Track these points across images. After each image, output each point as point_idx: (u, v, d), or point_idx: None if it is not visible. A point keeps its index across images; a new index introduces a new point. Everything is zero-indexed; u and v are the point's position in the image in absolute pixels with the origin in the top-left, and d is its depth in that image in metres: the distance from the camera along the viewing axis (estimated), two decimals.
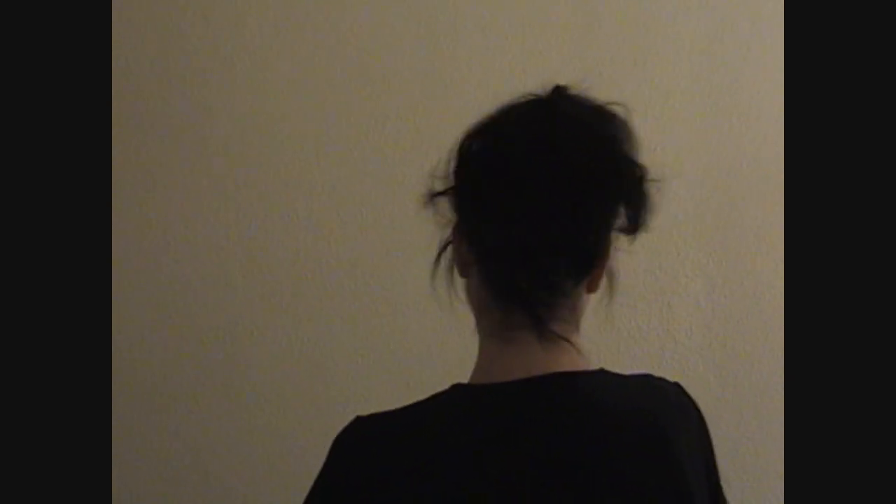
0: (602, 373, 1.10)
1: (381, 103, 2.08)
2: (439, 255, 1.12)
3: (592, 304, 2.14)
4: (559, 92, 1.07)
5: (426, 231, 1.13)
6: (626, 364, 2.11)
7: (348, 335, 2.08)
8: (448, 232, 1.10)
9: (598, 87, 2.12)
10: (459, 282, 1.11)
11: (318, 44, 2.08)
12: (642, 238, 2.13)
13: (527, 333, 1.06)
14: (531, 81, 2.21)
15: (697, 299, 2.13)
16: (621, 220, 1.08)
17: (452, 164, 1.08)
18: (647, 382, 1.14)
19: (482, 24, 2.10)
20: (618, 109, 1.08)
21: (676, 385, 1.16)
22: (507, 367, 1.05)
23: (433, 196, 1.08)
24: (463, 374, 1.11)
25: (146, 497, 2.04)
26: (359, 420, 1.06)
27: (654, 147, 2.11)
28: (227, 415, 2.06)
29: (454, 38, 2.09)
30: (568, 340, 1.08)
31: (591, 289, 1.11)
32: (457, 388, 1.06)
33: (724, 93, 2.15)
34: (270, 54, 2.07)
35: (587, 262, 1.07)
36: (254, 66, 2.07)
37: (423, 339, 2.07)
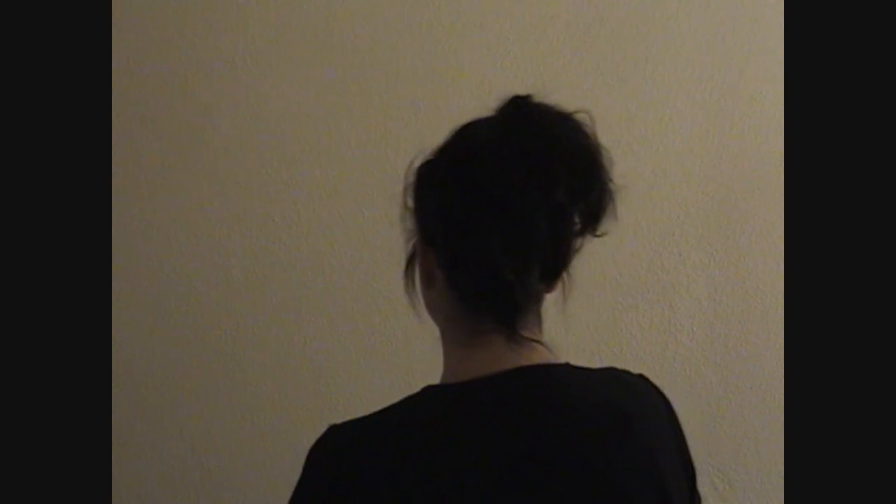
0: (568, 366, 1.11)
1: (382, 103, 2.08)
2: (408, 267, 1.13)
3: (592, 305, 2.15)
4: (520, 101, 1.07)
5: None
6: (628, 364, 2.11)
7: (348, 335, 2.07)
8: (411, 245, 1.12)
9: (599, 87, 2.14)
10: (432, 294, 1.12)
11: (319, 44, 2.08)
12: (644, 238, 2.15)
13: (496, 337, 1.07)
14: (531, 81, 2.22)
15: (699, 299, 2.13)
16: (582, 223, 1.07)
17: (418, 178, 1.10)
18: (612, 374, 1.15)
19: (483, 24, 2.10)
20: (582, 117, 1.08)
21: (641, 376, 1.17)
22: (476, 367, 1.06)
23: (406, 210, 1.10)
24: None
25: (146, 497, 2.04)
26: (333, 428, 1.05)
27: (655, 147, 2.13)
28: (227, 415, 2.06)
29: (455, 38, 2.09)
30: (538, 342, 1.09)
31: (550, 289, 1.11)
32: (428, 389, 1.07)
33: (725, 93, 2.15)
34: (271, 55, 2.07)
35: (557, 268, 1.08)
36: (254, 67, 2.07)
37: (424, 339, 2.07)
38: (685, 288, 2.13)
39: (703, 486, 2.07)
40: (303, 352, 2.07)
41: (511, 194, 1.02)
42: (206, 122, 2.06)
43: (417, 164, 1.10)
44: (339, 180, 2.08)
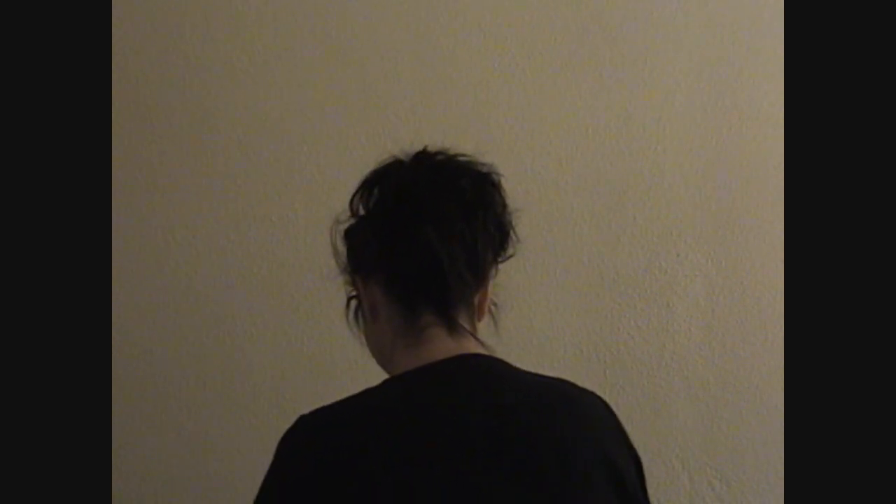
0: (503, 361, 1.20)
1: (380, 103, 2.08)
2: (353, 310, 1.29)
3: (590, 305, 2.15)
4: (424, 153, 1.24)
5: None
6: (626, 364, 2.13)
7: (347, 335, 2.07)
8: (349, 290, 1.28)
9: (598, 87, 2.14)
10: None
11: (318, 44, 2.08)
12: (642, 238, 2.15)
13: (438, 329, 1.18)
14: (530, 82, 2.23)
15: (697, 299, 2.13)
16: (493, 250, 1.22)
17: (348, 236, 1.26)
18: (546, 375, 1.24)
19: (481, 24, 2.10)
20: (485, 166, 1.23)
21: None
22: (424, 357, 1.17)
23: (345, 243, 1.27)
24: None
25: (146, 497, 2.04)
26: (302, 417, 1.14)
27: (653, 147, 2.13)
28: (227, 415, 2.06)
29: (454, 38, 2.10)
30: (474, 336, 1.21)
31: (479, 317, 1.23)
32: (386, 380, 1.18)
33: (724, 93, 2.15)
34: (270, 55, 2.08)
35: (480, 274, 1.20)
36: (253, 67, 2.07)
37: None
38: (683, 288, 2.13)
39: (700, 486, 2.07)
40: (301, 352, 2.07)
41: (426, 193, 1.18)
42: (204, 123, 2.06)
43: (343, 228, 1.26)
44: (337, 180, 2.08)
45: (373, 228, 1.22)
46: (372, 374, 1.96)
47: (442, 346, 1.17)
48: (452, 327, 1.18)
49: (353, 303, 1.29)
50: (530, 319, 2.06)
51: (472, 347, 1.19)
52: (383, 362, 1.25)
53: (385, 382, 1.17)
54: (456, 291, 1.18)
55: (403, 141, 2.13)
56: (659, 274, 2.12)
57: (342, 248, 1.27)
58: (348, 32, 2.08)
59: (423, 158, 1.23)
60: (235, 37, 2.07)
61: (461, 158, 1.23)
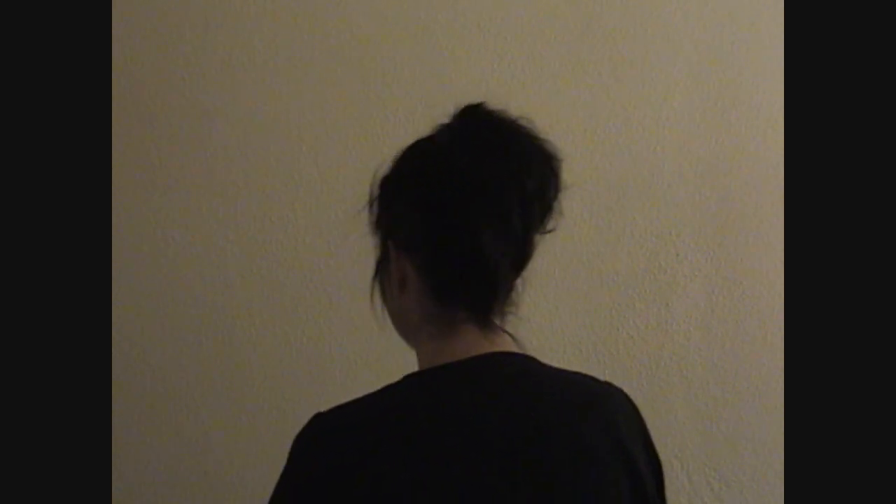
0: (535, 358, 1.15)
1: (381, 104, 2.08)
2: (378, 277, 1.18)
3: (589, 305, 2.15)
4: (473, 109, 1.13)
5: None
6: (625, 364, 2.13)
7: (346, 335, 2.08)
8: (379, 255, 1.17)
9: (595, 87, 2.14)
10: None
11: (318, 44, 2.09)
12: (641, 238, 2.15)
13: (470, 326, 1.12)
14: (530, 81, 2.23)
15: (696, 299, 2.13)
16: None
17: (384, 189, 1.15)
18: (579, 373, 1.19)
19: (480, 24, 2.10)
20: (527, 122, 1.14)
21: (607, 382, 1.21)
22: (451, 354, 1.11)
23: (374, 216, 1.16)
24: None
25: (146, 497, 2.04)
26: (318, 416, 1.10)
27: (652, 147, 2.13)
28: (227, 415, 2.06)
29: (453, 38, 2.10)
30: (508, 333, 1.14)
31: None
32: (408, 376, 1.12)
33: (723, 93, 2.15)
34: (270, 55, 2.08)
35: (524, 259, 1.14)
36: (253, 67, 2.08)
37: None
38: (682, 288, 2.13)
39: (699, 485, 2.08)
40: (300, 352, 2.07)
41: (487, 182, 1.08)
42: (203, 123, 2.07)
43: (379, 177, 1.15)
44: (336, 180, 2.08)
45: (419, 202, 1.11)
46: (372, 374, 1.96)
47: (472, 342, 1.11)
48: (486, 324, 1.12)
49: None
50: (529, 319, 2.04)
51: (502, 345, 1.13)
52: (404, 334, 1.19)
53: (407, 380, 1.11)
54: (500, 296, 1.13)
55: (404, 141, 2.14)
56: (658, 274, 2.13)
57: (376, 198, 1.16)
58: (348, 32, 2.09)
59: (483, 131, 1.11)
60: (235, 37, 2.07)
61: (524, 133, 1.12)
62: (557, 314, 2.08)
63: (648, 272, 2.12)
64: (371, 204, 1.16)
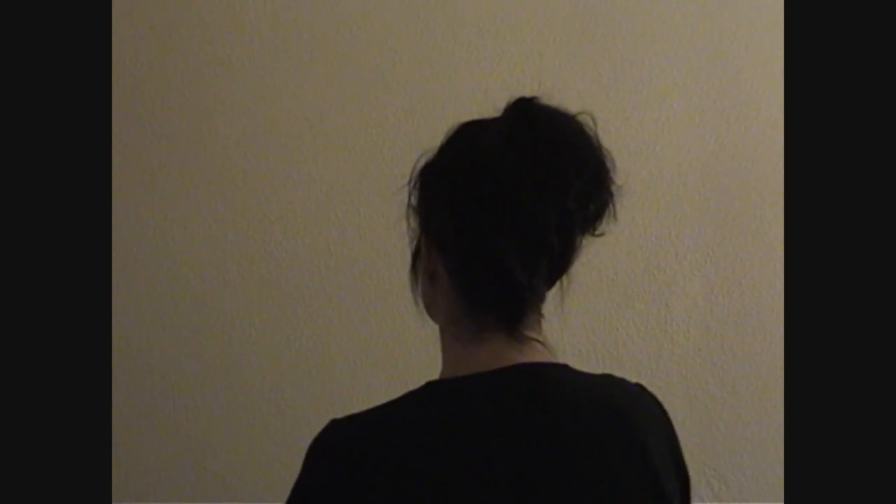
0: (566, 366, 1.12)
1: (380, 104, 2.08)
2: (414, 265, 1.13)
3: (588, 305, 2.15)
4: (526, 103, 1.08)
5: None
6: (624, 364, 2.13)
7: (345, 334, 2.08)
8: (415, 243, 1.13)
9: (595, 88, 2.14)
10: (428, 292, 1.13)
11: (317, 44, 2.09)
12: (640, 238, 2.15)
13: (497, 335, 1.08)
14: (527, 82, 2.22)
15: (696, 300, 2.13)
16: (585, 224, 1.09)
17: (423, 179, 1.10)
18: (610, 378, 1.16)
19: (480, 24, 2.10)
20: (584, 118, 1.09)
21: (638, 384, 1.18)
22: (476, 363, 1.07)
23: (409, 208, 1.11)
24: None
25: (146, 496, 2.04)
26: (334, 423, 1.05)
27: (651, 147, 2.13)
28: (227, 414, 2.06)
29: (452, 38, 2.10)
30: (538, 341, 1.10)
31: (550, 288, 1.13)
32: (430, 384, 1.08)
33: (722, 93, 2.15)
34: (269, 55, 2.08)
35: (562, 269, 1.10)
36: (253, 67, 2.08)
37: (420, 338, 2.07)
38: (681, 288, 2.13)
39: (698, 486, 2.08)
40: (300, 351, 2.07)
41: (523, 198, 1.02)
42: (203, 123, 2.07)
43: (422, 163, 1.10)
44: (335, 180, 2.08)
45: (454, 205, 1.06)
46: (372, 374, 1.96)
47: (499, 352, 1.07)
48: (514, 333, 1.08)
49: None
50: None
51: (531, 354, 1.08)
52: (432, 316, 1.13)
53: (428, 388, 1.07)
54: (529, 310, 1.08)
55: (403, 141, 2.15)
56: (658, 274, 2.13)
57: (416, 184, 1.11)
58: (348, 33, 2.09)
59: (532, 131, 1.05)
60: (235, 37, 2.07)
61: (576, 133, 1.06)
62: (557, 314, 2.08)
63: (648, 272, 2.12)
64: (411, 187, 1.11)
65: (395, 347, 2.09)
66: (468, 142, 1.08)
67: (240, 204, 2.07)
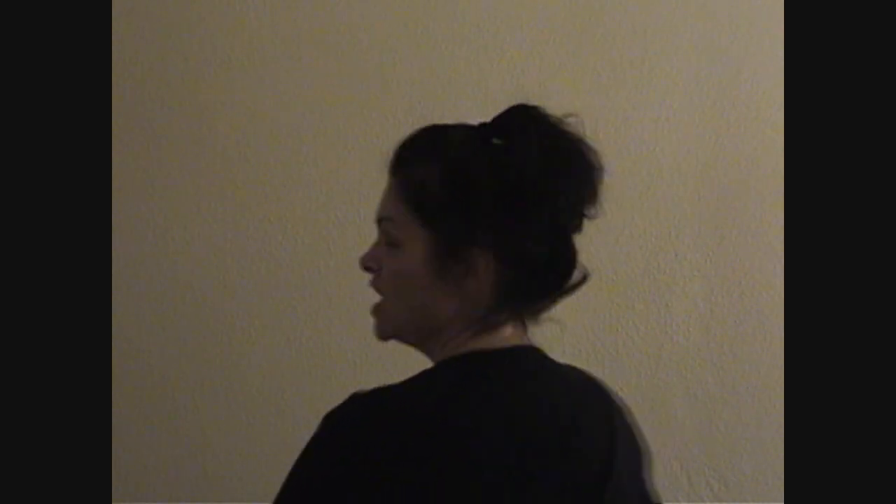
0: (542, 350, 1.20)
1: (378, 104, 2.08)
2: (448, 260, 1.15)
3: (588, 306, 2.15)
4: (535, 110, 1.18)
5: None
6: (624, 365, 2.13)
7: (345, 335, 2.08)
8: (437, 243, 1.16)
9: (595, 88, 2.14)
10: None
11: (317, 45, 2.09)
12: (640, 238, 2.15)
13: (507, 325, 1.15)
14: (529, 82, 2.22)
15: (695, 299, 2.13)
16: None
17: (452, 185, 1.16)
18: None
19: (480, 24, 2.11)
20: (574, 122, 1.20)
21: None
22: (488, 342, 1.13)
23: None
24: None
25: (146, 496, 2.04)
26: (356, 396, 1.09)
27: (651, 148, 2.13)
28: (227, 415, 2.06)
29: (452, 39, 2.10)
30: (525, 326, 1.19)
31: None
32: (445, 361, 1.14)
33: (722, 93, 2.15)
34: (267, 57, 2.08)
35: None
36: (252, 68, 2.08)
37: None
38: (681, 288, 2.13)
39: (698, 486, 2.08)
40: (299, 351, 2.07)
41: (559, 210, 1.14)
42: (203, 124, 2.07)
43: (451, 167, 1.16)
44: (334, 181, 2.08)
45: (504, 206, 1.12)
46: (372, 374, 1.96)
47: (508, 336, 1.14)
48: (518, 324, 1.17)
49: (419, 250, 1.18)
50: None
51: (528, 340, 1.17)
52: (430, 311, 1.18)
53: (447, 365, 1.12)
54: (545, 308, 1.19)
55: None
56: (657, 274, 2.13)
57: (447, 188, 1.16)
58: (348, 33, 2.09)
59: (543, 137, 1.17)
60: (235, 37, 2.07)
61: (574, 138, 1.19)
62: (557, 314, 2.08)
63: (648, 272, 2.12)
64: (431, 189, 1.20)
65: (395, 347, 2.08)
66: (494, 152, 1.14)
67: (240, 204, 2.07)
